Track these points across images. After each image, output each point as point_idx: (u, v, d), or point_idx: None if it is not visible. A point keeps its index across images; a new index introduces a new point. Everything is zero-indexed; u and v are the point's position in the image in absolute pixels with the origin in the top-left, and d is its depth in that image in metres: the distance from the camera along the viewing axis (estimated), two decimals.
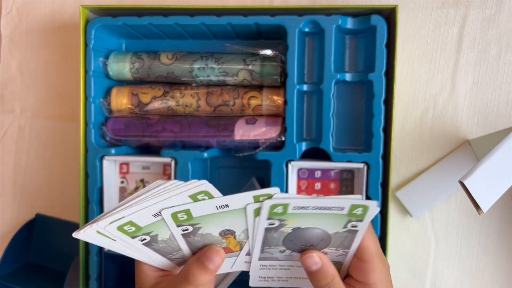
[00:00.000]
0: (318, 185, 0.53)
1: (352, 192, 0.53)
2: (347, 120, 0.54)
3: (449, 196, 0.56)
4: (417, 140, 0.56)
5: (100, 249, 0.55)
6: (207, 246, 0.34)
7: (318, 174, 0.53)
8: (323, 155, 0.51)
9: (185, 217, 0.32)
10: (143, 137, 0.54)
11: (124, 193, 0.57)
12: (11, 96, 0.63)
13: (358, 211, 0.31)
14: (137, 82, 0.57)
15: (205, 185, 0.31)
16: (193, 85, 0.54)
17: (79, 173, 0.54)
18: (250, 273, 0.37)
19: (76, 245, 0.55)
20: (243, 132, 0.52)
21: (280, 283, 0.38)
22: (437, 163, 0.56)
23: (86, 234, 0.32)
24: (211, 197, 0.31)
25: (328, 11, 0.50)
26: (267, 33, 0.54)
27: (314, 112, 0.54)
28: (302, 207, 0.30)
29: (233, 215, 0.32)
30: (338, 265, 0.35)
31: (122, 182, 0.57)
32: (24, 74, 0.63)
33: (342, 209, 0.30)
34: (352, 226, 0.32)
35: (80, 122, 0.53)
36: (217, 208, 0.32)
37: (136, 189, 0.57)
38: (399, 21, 0.50)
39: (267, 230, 0.32)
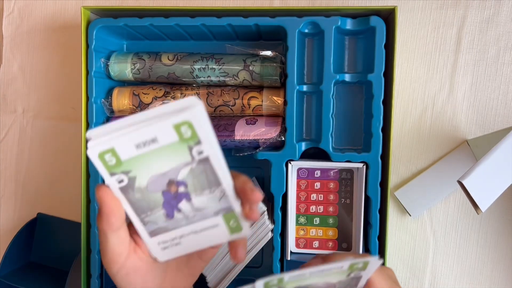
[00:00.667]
0: (317, 185, 0.53)
1: (351, 192, 0.53)
2: (347, 120, 0.54)
3: (448, 196, 0.56)
4: (416, 140, 0.57)
5: None
6: None
7: (317, 173, 0.54)
8: (322, 155, 0.52)
9: (114, 160, 0.29)
10: None
11: None
12: (13, 96, 0.64)
13: (359, 265, 0.30)
14: (138, 82, 0.57)
15: (192, 114, 0.27)
16: (194, 85, 0.55)
17: (81, 173, 0.54)
18: None
19: (77, 244, 0.55)
20: (243, 132, 0.52)
21: None
22: (436, 163, 0.56)
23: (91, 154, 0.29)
24: (194, 133, 0.28)
25: (327, 12, 0.50)
26: (267, 34, 0.54)
27: (313, 112, 0.54)
28: (299, 275, 0.29)
29: (166, 154, 0.29)
30: None
31: None
32: (25, 74, 0.63)
33: (341, 267, 0.30)
34: (355, 275, 0.31)
35: (81, 123, 0.54)
36: (140, 147, 0.28)
37: None
38: (398, 22, 0.50)
39: None
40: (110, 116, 0.55)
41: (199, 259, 0.36)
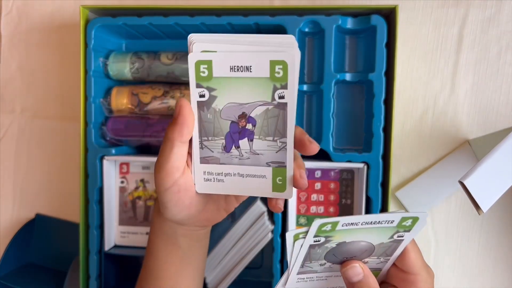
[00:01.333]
0: (318, 185, 0.53)
1: (352, 193, 0.53)
2: (347, 120, 0.54)
3: (449, 196, 0.56)
4: (417, 140, 0.56)
5: (100, 248, 0.55)
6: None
7: (318, 174, 0.53)
8: (323, 155, 0.51)
9: (206, 73, 0.30)
10: (143, 137, 0.54)
11: (124, 193, 0.57)
12: (11, 96, 0.63)
13: (408, 222, 0.30)
14: (137, 82, 0.57)
15: (290, 56, 0.29)
16: None
17: (79, 173, 0.54)
18: (286, 286, 0.35)
19: (76, 244, 0.55)
20: None
21: None
22: (437, 163, 0.56)
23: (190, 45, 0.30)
24: (285, 75, 0.29)
25: (328, 11, 0.50)
26: (267, 33, 0.54)
27: (314, 112, 0.54)
28: (352, 223, 0.30)
29: (253, 85, 0.30)
30: (376, 271, 0.35)
31: (122, 182, 0.57)
32: (24, 74, 0.63)
33: (392, 222, 0.30)
34: (398, 237, 0.32)
35: (80, 122, 0.53)
36: (233, 70, 0.30)
37: (136, 189, 0.57)
38: (399, 21, 0.50)
39: (311, 246, 0.31)
40: (109, 116, 0.55)
41: (234, 199, 0.38)
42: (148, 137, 0.54)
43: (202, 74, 0.30)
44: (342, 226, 0.30)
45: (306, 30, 0.51)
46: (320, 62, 0.51)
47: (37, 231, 0.62)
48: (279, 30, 0.51)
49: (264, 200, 0.54)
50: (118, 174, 0.57)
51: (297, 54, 0.29)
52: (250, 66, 0.30)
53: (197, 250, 0.39)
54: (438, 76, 0.56)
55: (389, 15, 0.50)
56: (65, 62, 0.62)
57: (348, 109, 0.54)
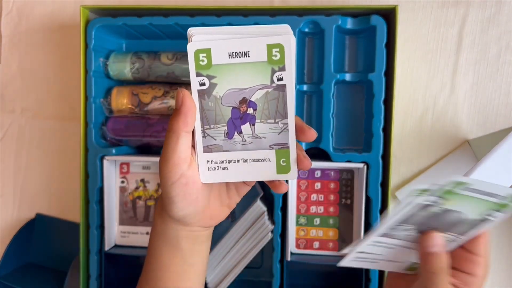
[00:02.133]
0: (318, 185, 0.53)
1: (352, 193, 0.53)
2: (347, 120, 0.54)
3: None
4: (417, 140, 0.56)
5: (100, 248, 0.55)
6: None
7: (318, 174, 0.53)
8: (323, 155, 0.52)
9: (205, 61, 0.31)
10: (143, 137, 0.54)
11: (124, 193, 0.57)
12: (12, 96, 0.63)
13: (510, 201, 0.30)
14: (137, 82, 0.57)
15: (286, 39, 0.30)
16: None
17: (79, 173, 0.54)
18: (350, 251, 0.35)
19: (76, 244, 0.55)
20: None
21: (370, 264, 0.37)
22: (437, 163, 0.56)
23: (190, 38, 0.31)
24: (282, 57, 0.31)
25: (328, 11, 0.50)
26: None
27: (314, 112, 0.54)
28: (473, 190, 0.29)
29: (252, 71, 0.32)
30: None
31: (122, 182, 0.57)
32: (24, 74, 0.63)
33: (504, 198, 0.30)
34: (490, 216, 0.31)
35: (80, 122, 0.53)
36: (232, 57, 0.31)
37: (137, 189, 0.57)
38: (399, 21, 0.50)
39: (423, 206, 0.30)
40: (109, 116, 0.55)
41: (236, 193, 0.37)
42: (148, 137, 0.54)
43: (201, 63, 0.31)
44: (467, 190, 0.29)
45: (306, 30, 0.51)
46: (320, 62, 0.51)
47: (37, 231, 0.62)
48: None
49: (264, 200, 0.54)
50: (118, 174, 0.57)
51: (293, 37, 0.31)
52: (248, 52, 0.31)
53: (198, 253, 0.39)
54: (438, 76, 0.56)
55: (389, 15, 0.50)
56: (65, 62, 0.62)
57: (348, 109, 0.54)
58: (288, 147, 0.33)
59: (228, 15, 0.50)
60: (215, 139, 0.33)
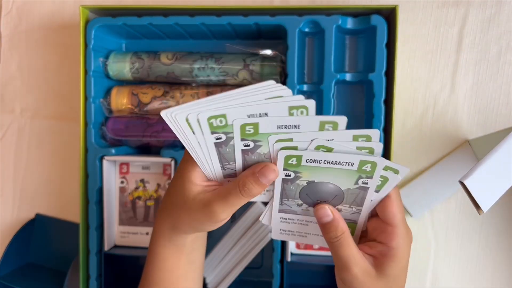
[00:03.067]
0: None
1: None
2: (347, 120, 0.54)
3: (449, 196, 0.56)
4: (417, 140, 0.56)
5: (100, 249, 0.55)
6: (264, 163, 0.35)
7: None
8: None
9: (252, 131, 0.33)
10: (143, 137, 0.54)
11: (124, 193, 0.57)
12: (11, 96, 0.63)
13: (367, 167, 0.33)
14: (137, 82, 0.57)
15: (309, 102, 0.32)
16: (193, 85, 0.54)
17: (79, 173, 0.54)
18: (271, 225, 0.38)
19: (76, 245, 0.55)
20: None
21: (299, 238, 0.39)
22: (437, 163, 0.56)
23: (173, 117, 0.32)
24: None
25: (328, 11, 0.50)
26: (267, 33, 0.54)
27: None
28: (315, 160, 0.33)
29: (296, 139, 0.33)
30: (352, 223, 0.37)
31: (122, 182, 0.57)
32: (24, 74, 0.63)
33: (352, 164, 0.33)
34: (363, 183, 0.34)
35: (80, 122, 0.53)
36: (281, 128, 0.33)
37: (136, 189, 0.57)
38: (399, 21, 0.50)
39: (284, 181, 0.34)
40: (109, 116, 0.55)
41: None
42: (148, 137, 0.54)
43: (215, 125, 0.33)
44: (307, 162, 0.33)
45: (306, 30, 0.51)
46: (320, 62, 0.51)
47: (37, 231, 0.62)
48: (279, 30, 0.51)
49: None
50: (118, 174, 0.57)
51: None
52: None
53: (198, 248, 0.41)
54: (438, 76, 0.56)
55: (389, 15, 0.50)
56: (65, 62, 0.62)
57: (348, 109, 0.54)
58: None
59: (228, 14, 0.50)
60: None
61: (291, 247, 0.53)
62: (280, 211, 0.37)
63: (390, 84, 0.50)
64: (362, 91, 0.53)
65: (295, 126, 0.32)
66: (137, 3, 0.60)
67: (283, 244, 0.53)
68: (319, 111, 0.52)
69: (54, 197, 0.63)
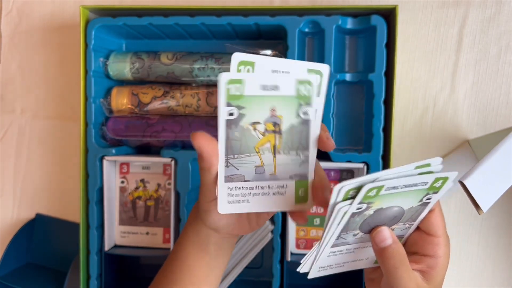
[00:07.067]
0: None
1: None
2: (347, 120, 0.54)
3: (449, 196, 0.56)
4: (417, 140, 0.56)
5: (100, 248, 0.55)
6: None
7: None
8: (323, 156, 0.51)
9: (237, 91, 0.31)
10: (143, 137, 0.54)
11: (124, 193, 0.57)
12: (12, 96, 0.63)
13: (438, 183, 0.31)
14: (137, 82, 0.57)
15: (316, 77, 0.31)
16: (193, 85, 0.54)
17: (79, 173, 0.54)
18: (314, 265, 0.36)
19: (76, 245, 0.55)
20: None
21: (337, 269, 0.38)
22: None
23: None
24: (310, 94, 0.32)
25: (328, 11, 0.50)
26: (267, 33, 0.54)
27: None
28: (394, 187, 0.30)
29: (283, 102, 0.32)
30: (399, 238, 0.35)
31: (122, 182, 0.57)
32: (24, 74, 0.63)
33: (425, 184, 0.31)
34: (427, 199, 0.32)
35: (80, 122, 0.53)
36: (264, 89, 0.31)
37: (137, 189, 0.57)
38: (399, 21, 0.50)
39: (352, 215, 0.31)
40: (109, 116, 0.55)
41: (266, 214, 0.38)
42: (148, 137, 0.54)
43: (232, 93, 0.31)
44: (386, 190, 0.30)
45: (306, 30, 0.51)
46: (320, 62, 0.51)
47: (37, 231, 0.62)
48: (279, 30, 0.51)
49: None
50: (118, 174, 0.57)
51: (327, 74, 0.32)
52: (278, 86, 0.31)
53: (222, 258, 0.40)
54: (438, 76, 0.56)
55: (389, 15, 0.50)
56: (65, 62, 0.62)
57: (348, 109, 0.54)
58: (307, 178, 0.34)
59: (228, 15, 0.50)
60: (238, 169, 0.33)
61: (291, 247, 0.53)
62: (334, 245, 0.34)
63: (390, 84, 0.50)
64: (362, 91, 0.53)
65: (275, 87, 0.31)
66: (137, 3, 0.60)
67: (283, 244, 0.53)
68: None
69: (55, 197, 0.63)
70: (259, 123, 0.32)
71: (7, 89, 0.63)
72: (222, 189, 0.33)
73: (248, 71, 0.31)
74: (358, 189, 0.30)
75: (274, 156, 0.33)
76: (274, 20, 0.50)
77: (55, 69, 0.62)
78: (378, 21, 0.49)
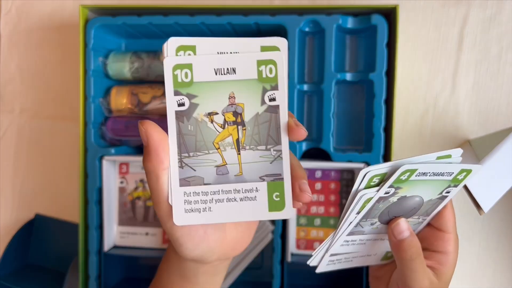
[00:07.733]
0: (318, 185, 0.53)
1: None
2: (348, 120, 0.54)
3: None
4: (417, 140, 0.56)
5: (100, 249, 0.55)
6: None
7: (318, 174, 0.53)
8: (323, 155, 0.51)
9: (185, 77, 0.27)
10: None
11: (123, 193, 0.57)
12: (11, 96, 0.63)
13: (461, 175, 0.30)
14: (136, 81, 0.56)
15: (279, 54, 0.27)
16: None
17: (79, 173, 0.54)
18: (325, 255, 0.33)
19: (75, 245, 0.55)
20: None
21: (345, 264, 0.37)
22: None
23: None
24: (275, 75, 0.27)
25: (328, 11, 0.50)
26: (267, 32, 0.54)
27: (314, 112, 0.53)
28: (424, 173, 0.28)
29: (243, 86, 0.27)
30: None
31: (121, 182, 0.57)
32: (23, 74, 0.63)
33: (451, 174, 0.30)
34: (447, 192, 0.32)
35: (79, 122, 0.53)
36: (218, 74, 0.27)
37: (136, 189, 0.57)
38: (400, 21, 0.50)
39: (378, 200, 0.29)
40: (109, 115, 0.55)
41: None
42: None
43: (180, 80, 0.27)
44: (416, 176, 0.28)
45: (307, 29, 0.51)
46: (321, 61, 0.51)
47: (36, 232, 0.62)
48: (279, 29, 0.51)
49: None
50: (117, 174, 0.57)
51: (286, 51, 0.28)
52: (235, 68, 0.27)
53: (214, 284, 0.35)
54: (439, 76, 0.56)
55: (390, 14, 0.50)
56: (64, 62, 0.62)
57: (349, 109, 0.54)
58: (283, 179, 0.28)
59: (228, 14, 0.50)
60: (195, 171, 0.28)
61: (291, 248, 0.53)
62: (350, 233, 0.32)
63: (390, 84, 0.50)
64: (362, 91, 0.53)
65: (232, 70, 0.27)
66: (137, 3, 0.60)
67: (283, 244, 0.53)
68: (319, 110, 0.51)
69: (54, 197, 0.63)
70: (216, 113, 0.28)
71: (6, 89, 0.63)
72: (177, 195, 0.28)
73: (188, 76, 0.28)
74: (382, 176, 0.28)
75: (239, 153, 0.28)
76: (274, 20, 0.50)
77: (55, 68, 0.62)
78: (378, 21, 0.49)
